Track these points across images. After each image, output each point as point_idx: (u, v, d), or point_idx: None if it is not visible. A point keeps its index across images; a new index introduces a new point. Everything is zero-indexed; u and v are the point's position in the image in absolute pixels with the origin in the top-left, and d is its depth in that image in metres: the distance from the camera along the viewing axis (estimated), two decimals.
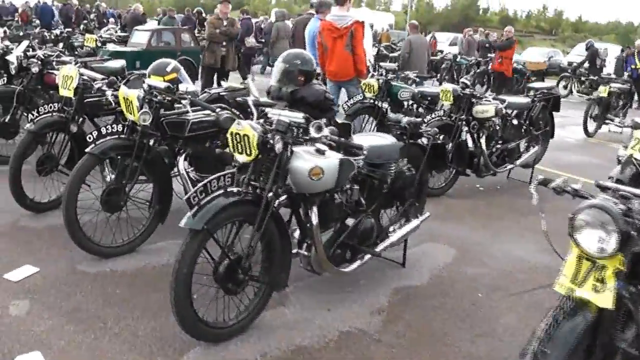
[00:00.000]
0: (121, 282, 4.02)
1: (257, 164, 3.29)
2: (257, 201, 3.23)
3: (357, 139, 3.98)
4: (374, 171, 4.00)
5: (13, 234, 4.68)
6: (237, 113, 4.53)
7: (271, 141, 3.17)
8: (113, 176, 4.82)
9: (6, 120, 6.20)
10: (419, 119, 4.59)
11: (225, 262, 3.19)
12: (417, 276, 4.47)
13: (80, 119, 4.99)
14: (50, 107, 4.84)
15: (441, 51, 21.24)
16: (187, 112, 4.32)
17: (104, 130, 4.07)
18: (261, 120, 3.45)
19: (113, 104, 4.82)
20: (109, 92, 4.79)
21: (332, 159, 3.36)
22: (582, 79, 16.38)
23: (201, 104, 4.18)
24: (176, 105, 4.42)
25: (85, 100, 4.93)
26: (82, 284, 3.96)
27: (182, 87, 4.45)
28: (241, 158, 3.21)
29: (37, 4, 16.82)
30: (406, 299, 4.09)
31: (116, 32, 11.84)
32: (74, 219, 4.03)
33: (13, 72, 6.30)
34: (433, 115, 6.40)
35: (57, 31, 11.33)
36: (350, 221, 3.87)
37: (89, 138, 4.01)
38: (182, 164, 4.26)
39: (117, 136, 4.10)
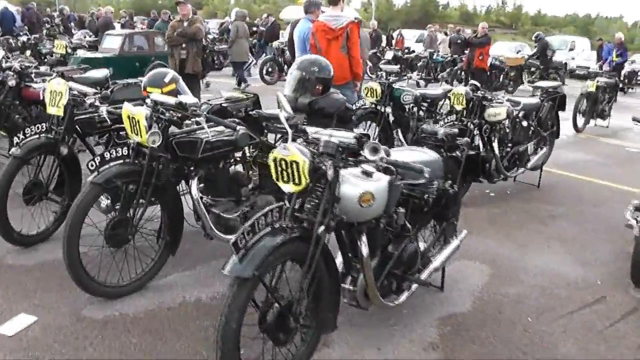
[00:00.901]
0: (135, 328, 3.51)
1: (303, 193, 2.82)
2: (306, 237, 2.77)
3: (395, 154, 3.54)
4: (415, 190, 3.58)
5: (1, 275, 4.10)
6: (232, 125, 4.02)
7: (323, 167, 2.71)
8: (106, 204, 4.34)
9: None
10: (455, 130, 4.19)
11: (275, 309, 2.72)
12: (459, 301, 4.08)
13: (71, 140, 4.42)
14: (37, 128, 4.28)
15: (408, 48, 20.96)
16: (199, 130, 3.81)
17: (107, 155, 3.55)
18: (300, 140, 2.99)
19: (108, 121, 4.29)
20: (103, 109, 4.27)
21: (381, 182, 2.93)
22: (532, 69, 17.01)
23: (219, 121, 3.68)
24: (185, 122, 3.91)
25: (76, 118, 4.38)
26: (91, 333, 3.43)
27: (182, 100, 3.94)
28: (287, 188, 2.75)
29: None
30: (456, 331, 3.69)
31: (89, 36, 11.12)
32: (76, 258, 3.51)
33: None
34: (446, 121, 6.03)
35: (24, 37, 10.58)
36: (393, 247, 3.44)
37: (91, 166, 3.48)
38: (194, 188, 3.76)
39: (121, 161, 3.58)
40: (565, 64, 25.13)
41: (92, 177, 3.46)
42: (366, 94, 6.90)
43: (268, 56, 15.22)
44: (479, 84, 6.45)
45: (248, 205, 4.04)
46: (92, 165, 3.48)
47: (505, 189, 6.92)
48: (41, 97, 5.53)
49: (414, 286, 3.57)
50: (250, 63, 15.40)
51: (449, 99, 7.18)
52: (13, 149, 4.20)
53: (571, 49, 26.48)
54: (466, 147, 4.16)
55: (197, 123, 3.85)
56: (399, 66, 9.21)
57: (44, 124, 4.32)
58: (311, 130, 2.99)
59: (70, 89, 4.30)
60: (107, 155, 3.54)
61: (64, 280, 3.82)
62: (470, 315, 3.91)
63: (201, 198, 3.81)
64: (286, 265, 2.87)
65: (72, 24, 17.62)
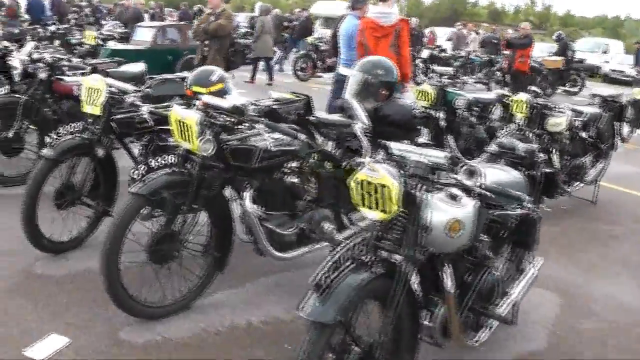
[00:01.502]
0: (181, 355, 3.14)
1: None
2: (391, 272, 2.37)
3: None
4: (499, 214, 3.16)
5: (29, 287, 3.74)
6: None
7: (416, 193, 2.31)
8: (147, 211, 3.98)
9: (9, 135, 5.24)
10: (535, 146, 3.76)
11: (354, 354, 2.33)
12: (534, 337, 3.68)
13: (108, 141, 4.05)
14: (72, 128, 3.92)
15: (439, 47, 20.40)
16: (253, 136, 3.42)
17: (153, 164, 3.17)
18: (380, 157, 2.59)
19: (150, 123, 3.91)
20: (144, 109, 3.88)
21: (468, 208, 2.53)
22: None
23: (281, 129, 3.28)
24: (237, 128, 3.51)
25: (114, 118, 4.00)
26: None
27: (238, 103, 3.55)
28: (372, 215, 2.36)
29: None
30: None
31: (119, 28, 10.78)
32: (115, 276, 3.15)
33: (17, 78, 5.33)
34: (507, 130, 5.59)
35: (53, 27, 10.26)
36: (471, 278, 3.03)
37: (135, 174, 3.10)
38: (248, 201, 3.37)
39: (168, 170, 3.20)
40: (599, 67, 24.58)
41: (136, 188, 3.08)
42: (418, 97, 6.46)
43: (302, 52, 14.80)
44: (539, 90, 6.01)
45: (304, 220, 3.64)
46: (136, 174, 3.10)
47: (559, 204, 6.46)
48: (74, 91, 5.20)
49: (495, 324, 3.16)
50: (279, 57, 15.06)
51: (503, 104, 6.79)
52: (45, 150, 3.83)
53: (604, 52, 25.74)
54: (543, 163, 3.73)
55: (250, 127, 3.47)
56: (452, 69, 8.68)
57: (78, 123, 3.95)
58: (395, 146, 2.58)
59: (109, 85, 3.93)
60: (153, 164, 3.16)
61: (99, 294, 3.46)
62: (547, 353, 3.51)
63: (255, 213, 3.41)
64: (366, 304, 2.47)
65: (100, 15, 17.32)
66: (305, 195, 3.69)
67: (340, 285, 2.20)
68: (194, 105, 3.38)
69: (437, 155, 2.51)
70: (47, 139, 3.83)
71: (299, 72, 14.27)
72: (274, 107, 4.57)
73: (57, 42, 9.60)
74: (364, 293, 2.29)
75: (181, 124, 3.17)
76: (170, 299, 3.42)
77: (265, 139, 3.31)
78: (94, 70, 5.83)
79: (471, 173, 2.43)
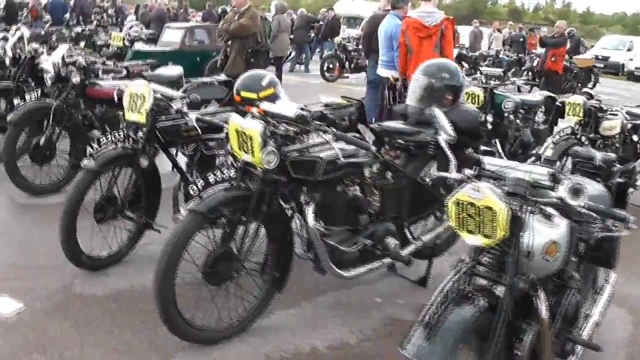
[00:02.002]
0: None
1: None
2: (492, 303, 2.10)
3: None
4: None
5: (68, 307, 3.48)
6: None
7: (522, 215, 2.03)
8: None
9: (40, 142, 5.02)
10: (613, 155, 3.46)
11: None
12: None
13: (152, 150, 3.80)
14: (114, 137, 3.67)
15: (463, 45, 19.96)
16: (313, 146, 3.15)
17: (211, 179, 2.90)
18: (469, 172, 2.32)
19: (198, 131, 3.66)
20: (192, 116, 3.63)
21: (562, 228, 2.30)
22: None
23: (351, 140, 3.00)
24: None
25: (159, 126, 3.75)
26: None
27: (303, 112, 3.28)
28: (474, 241, 2.08)
29: None
30: None
31: (140, 28, 10.57)
32: (171, 299, 2.89)
33: (48, 82, 5.11)
34: (561, 135, 5.28)
35: (78, 29, 10.08)
36: (556, 301, 2.74)
37: (193, 190, 2.85)
38: (311, 216, 3.10)
39: (227, 185, 2.94)
40: (623, 64, 24.04)
41: (195, 205, 2.82)
42: (466, 100, 6.16)
43: (329, 52, 14.52)
44: (592, 93, 5.69)
45: (366, 236, 3.37)
46: (194, 190, 2.84)
47: None
48: (109, 96, 4.97)
49: (579, 348, 2.87)
50: (289, 56, 14.88)
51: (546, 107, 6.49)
52: (86, 161, 3.59)
53: (629, 49, 25.16)
54: (619, 173, 3.44)
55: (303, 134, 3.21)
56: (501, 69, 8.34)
57: (120, 132, 3.71)
58: (490, 162, 2.30)
59: (154, 92, 3.68)
60: (211, 178, 2.90)
61: (146, 316, 3.27)
62: None
63: (318, 230, 3.14)
64: None
65: (123, 16, 17.12)
66: (368, 209, 3.41)
67: (447, 322, 1.94)
68: (251, 113, 3.11)
69: (540, 172, 2.23)
70: (89, 149, 3.58)
71: (327, 73, 13.97)
72: (325, 112, 4.31)
73: (82, 44, 9.41)
74: (470, 330, 2.01)
75: (241, 134, 2.90)
76: (227, 322, 3.16)
77: (332, 149, 3.04)
78: (129, 74, 5.60)
79: (576, 192, 2.15)
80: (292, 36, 14.59)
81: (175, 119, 3.75)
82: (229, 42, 7.64)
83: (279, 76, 13.19)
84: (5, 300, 3.50)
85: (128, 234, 3.98)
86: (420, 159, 3.70)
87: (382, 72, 7.16)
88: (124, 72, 5.26)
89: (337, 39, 14.47)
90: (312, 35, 15.87)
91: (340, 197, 3.29)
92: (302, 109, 4.27)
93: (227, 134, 3.74)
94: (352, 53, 13.81)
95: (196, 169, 3.94)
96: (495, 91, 6.22)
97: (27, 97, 5.07)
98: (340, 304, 3.69)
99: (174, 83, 5.53)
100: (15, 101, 5.09)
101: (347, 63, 13.46)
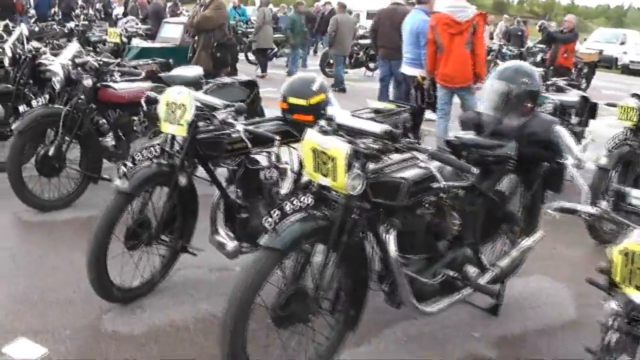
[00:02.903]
0: None
1: None
2: None
3: None
4: None
5: (99, 351, 2.99)
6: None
7: None
8: (234, 247, 3.31)
9: (49, 152, 4.51)
10: None
11: None
12: None
13: (192, 167, 3.33)
14: (149, 153, 3.19)
15: None
16: (390, 165, 2.70)
17: (288, 208, 2.44)
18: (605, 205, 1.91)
19: (247, 144, 3.19)
20: (240, 127, 3.16)
21: None
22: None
23: (450, 161, 2.56)
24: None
25: (200, 138, 3.27)
26: None
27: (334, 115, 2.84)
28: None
29: None
30: None
31: (136, 24, 9.98)
32: (241, 349, 2.44)
33: (57, 86, 4.59)
34: (615, 141, 4.91)
35: (71, 24, 9.46)
36: None
37: (267, 223, 2.39)
38: (392, 245, 2.66)
39: (305, 213, 2.49)
40: (616, 58, 23.89)
41: (270, 240, 2.37)
42: None
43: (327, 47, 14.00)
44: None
45: (445, 264, 2.95)
46: (268, 222, 2.38)
47: None
48: (130, 101, 4.50)
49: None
50: (275, 51, 14.51)
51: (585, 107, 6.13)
52: (118, 181, 3.11)
53: (622, 43, 25.03)
54: None
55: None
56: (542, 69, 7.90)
57: (156, 147, 3.22)
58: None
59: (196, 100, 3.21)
60: (287, 207, 2.44)
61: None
62: None
63: (399, 260, 2.70)
64: None
65: (111, 9, 16.37)
66: (448, 234, 2.98)
67: None
68: (322, 126, 2.65)
69: None
70: (121, 168, 3.09)
71: (327, 69, 13.49)
72: (378, 119, 3.87)
73: (75, 40, 8.79)
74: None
75: (320, 155, 2.45)
76: None
77: (415, 167, 2.60)
78: (153, 75, 5.10)
79: None
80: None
81: (219, 130, 3.27)
82: (196, 37, 7.19)
83: (264, 68, 13.13)
84: (23, 344, 2.99)
85: (161, 259, 3.51)
86: (496, 175, 3.27)
87: (407, 70, 6.74)
88: (142, 73, 4.74)
89: None
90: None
91: (420, 221, 2.85)
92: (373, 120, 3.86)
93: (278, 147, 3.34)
94: (353, 48, 13.33)
95: (239, 184, 3.48)
96: None
97: (34, 103, 4.55)
98: (411, 338, 3.26)
99: (193, 84, 5.02)
100: (21, 108, 4.58)
101: (346, 58, 12.99)
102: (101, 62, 4.61)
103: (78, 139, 4.65)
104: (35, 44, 5.48)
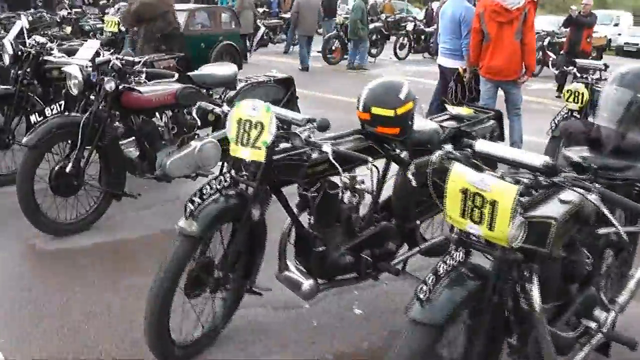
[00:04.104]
0: None
1: None
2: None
3: None
4: None
5: None
6: None
7: None
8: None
9: (67, 169, 3.87)
10: None
11: None
12: None
13: (265, 196, 2.73)
14: (218, 183, 2.59)
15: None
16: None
17: (441, 270, 1.88)
18: None
19: (339, 168, 2.60)
20: (328, 149, 2.57)
21: None
22: None
23: (624, 202, 2.01)
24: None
25: (278, 163, 2.67)
26: None
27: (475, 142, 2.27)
28: None
29: None
30: None
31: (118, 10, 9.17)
32: None
33: (75, 91, 3.93)
34: None
35: (64, 12, 8.67)
36: None
37: (421, 293, 1.82)
38: (537, 295, 2.11)
39: (458, 272, 1.93)
40: (610, 39, 23.52)
41: (421, 313, 1.81)
42: (567, 99, 5.21)
43: (332, 32, 13.34)
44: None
45: (578, 311, 2.44)
46: (422, 292, 1.81)
47: None
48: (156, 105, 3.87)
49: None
50: (258, 34, 13.90)
51: None
52: (183, 224, 2.50)
53: (616, 24, 24.70)
54: None
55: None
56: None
57: (226, 176, 2.62)
58: None
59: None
60: (441, 270, 1.87)
61: None
62: None
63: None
64: None
65: None
66: (581, 276, 2.46)
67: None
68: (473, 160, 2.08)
69: None
70: (189, 205, 2.49)
71: (329, 56, 12.85)
72: (463, 128, 3.32)
73: (68, 29, 8.07)
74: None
75: (473, 197, 1.88)
76: None
77: (562, 203, 2.05)
78: (183, 75, 4.45)
79: None
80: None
81: (296, 150, 2.68)
82: (136, 29, 6.27)
83: (245, 55, 12.34)
84: None
85: (223, 303, 2.92)
86: None
87: (446, 62, 6.16)
88: (175, 75, 4.08)
89: (338, 18, 13.33)
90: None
91: (559, 264, 2.31)
92: (460, 130, 3.30)
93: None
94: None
95: (314, 212, 2.89)
96: (595, 87, 5.28)
97: (48, 111, 3.90)
98: None
99: (228, 84, 4.43)
100: (33, 118, 3.93)
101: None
102: (124, 62, 3.95)
103: (98, 150, 4.01)
104: (39, 38, 4.79)
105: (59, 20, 8.05)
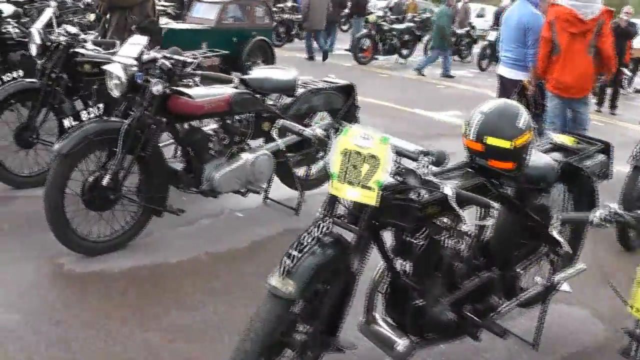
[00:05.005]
0: None
1: None
2: None
3: None
4: None
5: None
6: None
7: None
8: None
9: (104, 181, 3.39)
10: None
11: None
12: None
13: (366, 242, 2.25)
14: (319, 229, 2.09)
15: (470, 23, 18.43)
16: None
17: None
18: None
19: (461, 214, 2.13)
20: (448, 191, 2.07)
21: None
22: None
23: None
24: None
25: (385, 205, 2.17)
26: None
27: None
28: None
29: None
30: None
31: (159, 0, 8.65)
32: None
33: (116, 93, 3.44)
34: None
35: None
36: None
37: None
38: None
39: None
40: None
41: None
42: None
43: (363, 32, 12.82)
44: None
45: None
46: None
47: None
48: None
49: None
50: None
51: None
52: (274, 282, 1.99)
53: None
54: None
55: None
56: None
57: (327, 222, 2.12)
58: None
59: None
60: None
61: None
62: None
63: None
64: None
65: None
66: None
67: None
68: None
69: None
70: (286, 261, 1.99)
71: (360, 55, 12.34)
72: (574, 164, 2.85)
73: (92, 16, 7.52)
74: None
75: None
76: None
77: None
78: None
79: None
80: None
81: (410, 189, 2.18)
82: (107, 16, 5.55)
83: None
84: None
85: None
86: None
87: (508, 72, 5.65)
88: (233, 79, 3.57)
89: (371, 17, 12.79)
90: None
91: None
92: (571, 165, 2.83)
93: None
94: (387, 33, 12.20)
95: (414, 260, 2.41)
96: None
97: (83, 115, 3.41)
98: None
99: (288, 90, 3.93)
100: (66, 122, 3.43)
101: (380, 44, 11.87)
102: (173, 61, 3.44)
103: (139, 161, 3.52)
104: (70, 28, 4.28)
105: (82, 7, 7.51)
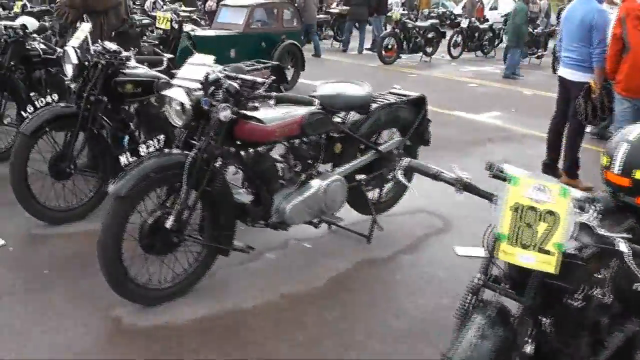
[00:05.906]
0: None
1: None
2: None
3: None
4: None
5: None
6: None
7: None
8: None
9: (167, 223, 3.00)
10: None
11: None
12: None
13: None
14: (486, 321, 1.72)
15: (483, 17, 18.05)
16: None
17: None
18: None
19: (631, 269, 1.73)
20: (624, 247, 1.67)
21: None
22: None
23: None
24: None
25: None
26: None
27: None
28: None
29: None
30: None
31: (180, 5, 8.25)
32: None
33: (179, 122, 3.04)
34: None
35: None
36: None
37: None
38: None
39: None
40: None
41: None
42: None
43: (387, 31, 12.44)
44: None
45: None
46: None
47: None
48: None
49: None
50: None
51: None
52: None
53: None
54: None
55: None
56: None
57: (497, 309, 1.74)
58: None
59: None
60: None
61: None
62: None
63: None
64: None
65: None
66: None
67: None
68: None
69: None
70: None
71: (384, 54, 11.94)
72: None
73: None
74: None
75: None
76: None
77: None
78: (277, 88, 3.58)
79: None
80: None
81: (584, 247, 1.80)
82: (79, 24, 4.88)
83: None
84: None
85: None
86: None
87: (570, 74, 5.23)
88: (315, 103, 3.12)
89: (395, 15, 12.37)
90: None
91: None
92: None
93: None
94: (412, 31, 11.80)
95: (567, 318, 2.03)
96: None
97: (142, 150, 3.02)
98: None
99: (362, 107, 3.54)
100: (122, 159, 3.04)
101: (404, 43, 11.46)
102: (240, 82, 3.04)
103: (203, 197, 3.12)
104: (109, 44, 3.88)
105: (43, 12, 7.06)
